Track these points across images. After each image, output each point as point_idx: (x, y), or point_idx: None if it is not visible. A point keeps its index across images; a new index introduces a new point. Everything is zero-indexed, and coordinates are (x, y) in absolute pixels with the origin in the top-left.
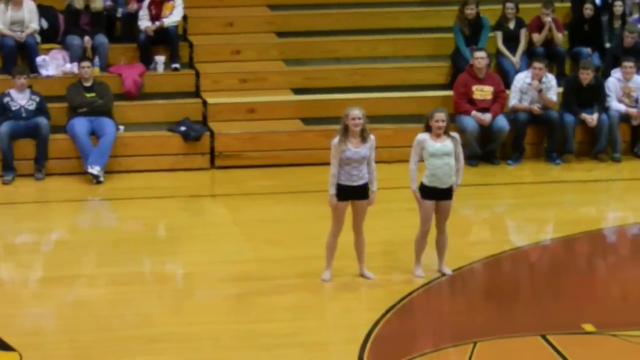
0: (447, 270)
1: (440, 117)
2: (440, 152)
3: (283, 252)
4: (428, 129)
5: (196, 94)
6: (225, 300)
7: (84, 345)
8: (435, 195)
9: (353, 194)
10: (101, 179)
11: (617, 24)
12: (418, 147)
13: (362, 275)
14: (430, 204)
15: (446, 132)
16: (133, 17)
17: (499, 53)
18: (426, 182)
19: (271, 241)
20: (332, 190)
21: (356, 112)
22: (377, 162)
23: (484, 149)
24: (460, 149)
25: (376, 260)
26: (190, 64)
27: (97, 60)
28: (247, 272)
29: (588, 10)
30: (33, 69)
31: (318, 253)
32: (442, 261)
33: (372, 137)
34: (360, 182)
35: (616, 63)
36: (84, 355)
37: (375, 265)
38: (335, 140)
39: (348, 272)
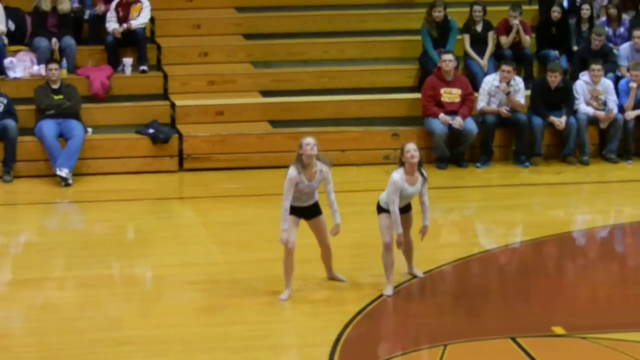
0: (418, 273)
1: (412, 148)
2: (411, 194)
3: (251, 254)
4: (402, 163)
5: (164, 96)
6: (194, 302)
7: (52, 347)
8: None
9: (303, 213)
10: (69, 181)
11: (584, 27)
12: (397, 191)
13: (332, 278)
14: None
15: (420, 165)
16: (100, 19)
17: (466, 55)
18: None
19: (239, 244)
20: (284, 225)
21: (309, 140)
22: (345, 165)
23: (453, 152)
24: (425, 189)
25: (345, 263)
26: (158, 66)
27: (64, 62)
28: (215, 275)
29: (555, 13)
30: (0, 70)
31: None
32: (411, 263)
33: (325, 168)
34: (311, 202)
35: (584, 66)
36: (51, 358)
37: (345, 267)
38: (293, 172)
39: (317, 275)
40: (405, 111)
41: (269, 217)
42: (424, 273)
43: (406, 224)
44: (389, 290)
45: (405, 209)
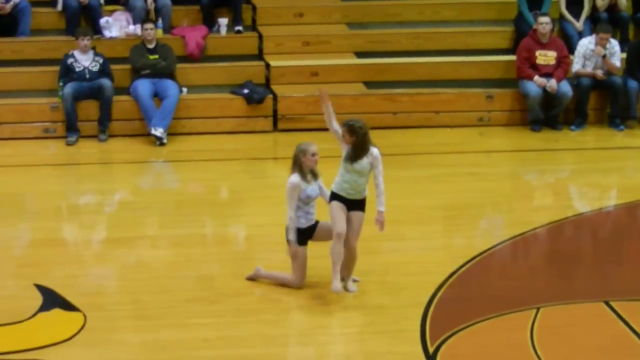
0: (352, 288)
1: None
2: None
3: None
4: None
5: (259, 56)
6: (285, 262)
7: (145, 306)
8: (345, 202)
9: (347, 203)
10: (164, 140)
11: None
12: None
13: (344, 286)
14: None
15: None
16: None
17: (562, 18)
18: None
19: None
20: (292, 236)
21: (315, 148)
22: (439, 126)
23: (547, 114)
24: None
25: (437, 224)
26: (253, 27)
27: (160, 22)
28: None
29: None
30: (96, 30)
31: None
32: (349, 275)
33: (375, 151)
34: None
35: None
36: (145, 316)
37: (437, 229)
38: (296, 178)
39: (408, 235)
40: (500, 73)
41: None
42: (517, 236)
43: (351, 228)
44: (336, 286)
45: (354, 207)
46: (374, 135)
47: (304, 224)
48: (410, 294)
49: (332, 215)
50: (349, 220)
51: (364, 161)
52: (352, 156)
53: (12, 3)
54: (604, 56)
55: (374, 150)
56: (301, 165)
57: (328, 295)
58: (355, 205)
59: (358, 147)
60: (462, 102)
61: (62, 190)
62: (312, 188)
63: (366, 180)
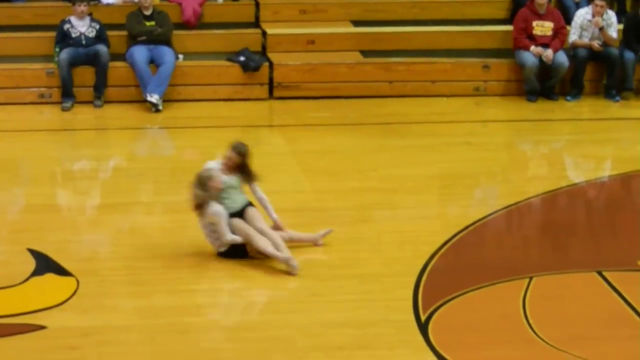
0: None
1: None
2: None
3: (339, 183)
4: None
5: (256, 24)
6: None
7: (139, 272)
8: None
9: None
10: (160, 107)
11: None
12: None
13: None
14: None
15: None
16: None
17: None
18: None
19: (328, 172)
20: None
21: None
22: (435, 96)
23: (543, 85)
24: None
25: (432, 194)
26: None
27: None
28: (302, 203)
29: None
30: None
31: (374, 185)
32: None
33: None
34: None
35: None
36: (139, 282)
37: (432, 198)
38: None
39: (403, 204)
40: (497, 43)
41: (357, 147)
42: (511, 205)
43: (249, 218)
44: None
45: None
46: (370, 103)
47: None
48: (404, 263)
49: (239, 230)
50: (247, 218)
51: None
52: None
53: None
54: (602, 28)
55: None
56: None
57: (321, 264)
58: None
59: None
60: (458, 72)
61: (57, 155)
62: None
63: (240, 191)
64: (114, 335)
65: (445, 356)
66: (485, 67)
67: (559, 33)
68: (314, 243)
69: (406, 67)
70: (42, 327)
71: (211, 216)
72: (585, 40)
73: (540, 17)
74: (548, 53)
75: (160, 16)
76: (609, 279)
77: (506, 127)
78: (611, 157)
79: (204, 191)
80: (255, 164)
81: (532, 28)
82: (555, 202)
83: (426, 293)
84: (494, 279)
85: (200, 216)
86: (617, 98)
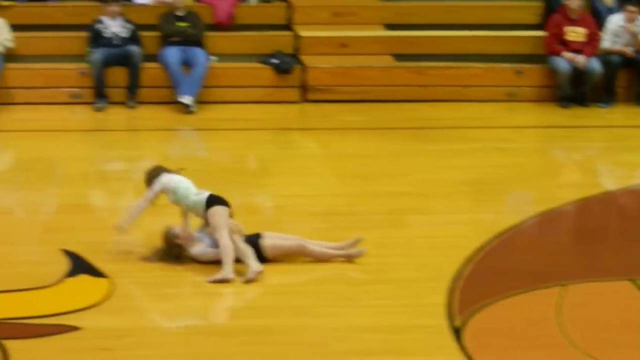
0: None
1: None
2: None
3: (371, 187)
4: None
5: (288, 26)
6: (312, 233)
7: (172, 273)
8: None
9: None
10: (192, 108)
11: None
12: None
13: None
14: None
15: None
16: None
17: None
18: None
19: (359, 176)
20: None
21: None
22: (467, 101)
23: (576, 91)
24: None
25: (464, 199)
26: None
27: None
28: (334, 207)
29: None
30: None
31: (406, 190)
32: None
33: None
34: None
35: None
36: (172, 284)
37: (463, 204)
38: None
39: (435, 209)
40: (529, 49)
41: (389, 151)
42: (544, 212)
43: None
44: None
45: None
46: (402, 107)
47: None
48: (436, 268)
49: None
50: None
51: None
52: None
53: None
54: (635, 34)
55: None
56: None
57: (354, 269)
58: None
59: None
60: (490, 77)
61: (89, 156)
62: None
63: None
64: (147, 337)
65: None
66: (518, 72)
67: (592, 39)
68: (347, 258)
69: (438, 71)
70: (76, 328)
71: (199, 255)
72: (618, 47)
73: (573, 22)
74: (580, 59)
75: (193, 17)
76: None
77: (539, 133)
78: None
79: (177, 247)
80: (287, 167)
81: (565, 33)
82: (588, 209)
83: (459, 299)
84: (527, 285)
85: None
86: None
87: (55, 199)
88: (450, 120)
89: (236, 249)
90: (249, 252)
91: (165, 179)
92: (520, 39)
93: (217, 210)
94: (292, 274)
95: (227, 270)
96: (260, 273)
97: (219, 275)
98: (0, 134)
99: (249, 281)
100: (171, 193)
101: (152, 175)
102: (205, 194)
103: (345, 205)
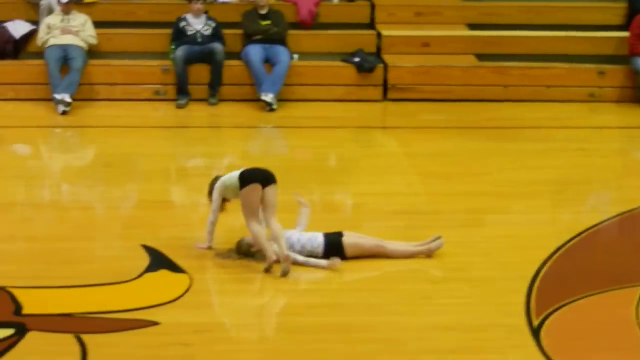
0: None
1: None
2: None
3: (452, 186)
4: None
5: (371, 25)
6: (392, 232)
7: (251, 270)
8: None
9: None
10: (274, 106)
11: None
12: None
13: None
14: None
15: None
16: None
17: None
18: None
19: (440, 175)
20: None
21: None
22: (550, 101)
23: None
24: None
25: (544, 199)
26: None
27: None
28: (415, 205)
29: None
30: None
31: (487, 189)
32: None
33: None
34: None
35: None
36: (251, 280)
37: (544, 204)
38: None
39: (515, 209)
40: (612, 49)
41: (470, 150)
42: (625, 212)
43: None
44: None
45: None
46: (484, 107)
47: None
48: (515, 268)
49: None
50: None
51: None
52: None
53: None
54: None
55: None
56: None
57: (432, 267)
58: None
59: None
60: (572, 77)
61: (171, 152)
62: None
63: None
64: (225, 333)
65: None
66: (601, 73)
67: None
68: (428, 253)
69: (521, 71)
70: (156, 323)
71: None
72: None
73: None
74: None
75: (276, 15)
76: None
77: (621, 134)
78: None
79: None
80: (368, 165)
81: None
82: None
83: (538, 298)
84: (606, 286)
85: None
86: None
87: (136, 195)
88: (531, 120)
89: (270, 229)
90: (279, 235)
91: (218, 184)
92: (603, 40)
93: (243, 194)
94: (370, 271)
95: (268, 255)
96: (288, 261)
97: (265, 264)
98: (82, 130)
99: (267, 270)
100: (229, 193)
101: (210, 186)
102: (236, 173)
103: (425, 204)
